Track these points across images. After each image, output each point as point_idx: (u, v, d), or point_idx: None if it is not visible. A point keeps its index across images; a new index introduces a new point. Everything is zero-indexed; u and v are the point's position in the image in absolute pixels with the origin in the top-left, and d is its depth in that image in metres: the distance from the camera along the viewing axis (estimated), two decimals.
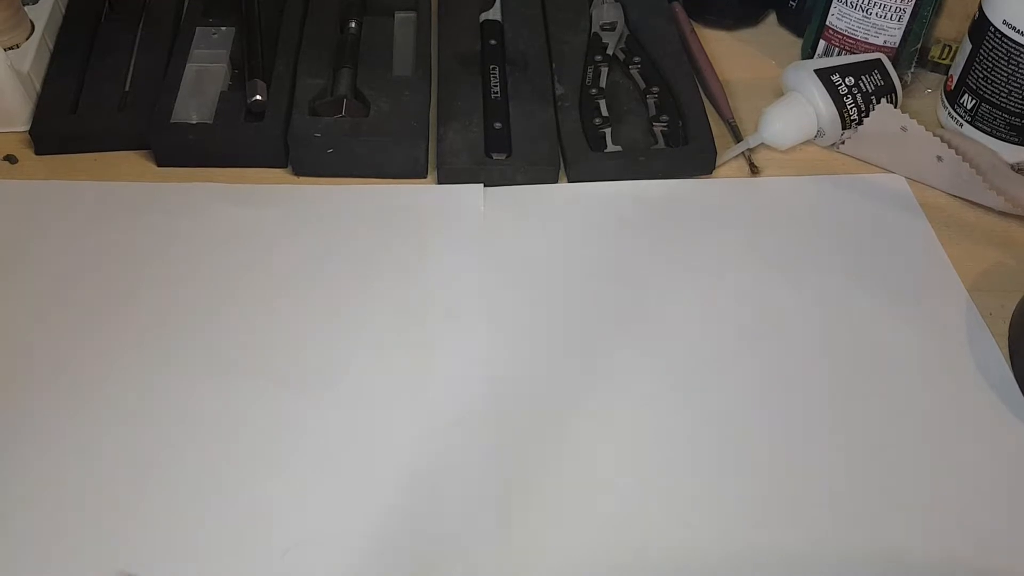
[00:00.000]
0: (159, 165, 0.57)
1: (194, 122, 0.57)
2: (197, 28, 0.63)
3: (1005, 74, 0.57)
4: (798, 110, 0.59)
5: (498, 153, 0.57)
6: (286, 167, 0.58)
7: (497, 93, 0.60)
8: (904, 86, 0.62)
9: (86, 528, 0.41)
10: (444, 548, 0.41)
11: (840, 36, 0.63)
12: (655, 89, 0.61)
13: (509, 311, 0.50)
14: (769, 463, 0.44)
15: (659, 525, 0.42)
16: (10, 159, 0.58)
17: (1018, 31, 0.55)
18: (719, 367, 0.48)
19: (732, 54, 0.68)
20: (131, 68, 0.61)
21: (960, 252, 0.54)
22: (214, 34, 0.62)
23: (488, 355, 0.48)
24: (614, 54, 0.64)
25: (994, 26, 0.56)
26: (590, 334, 0.49)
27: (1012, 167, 0.59)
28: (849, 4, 0.61)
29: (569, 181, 0.58)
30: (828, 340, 0.50)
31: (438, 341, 0.49)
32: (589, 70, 0.63)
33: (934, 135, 0.57)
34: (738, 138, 0.61)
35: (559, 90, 0.61)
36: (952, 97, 0.61)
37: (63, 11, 0.64)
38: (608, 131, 0.59)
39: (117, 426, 0.45)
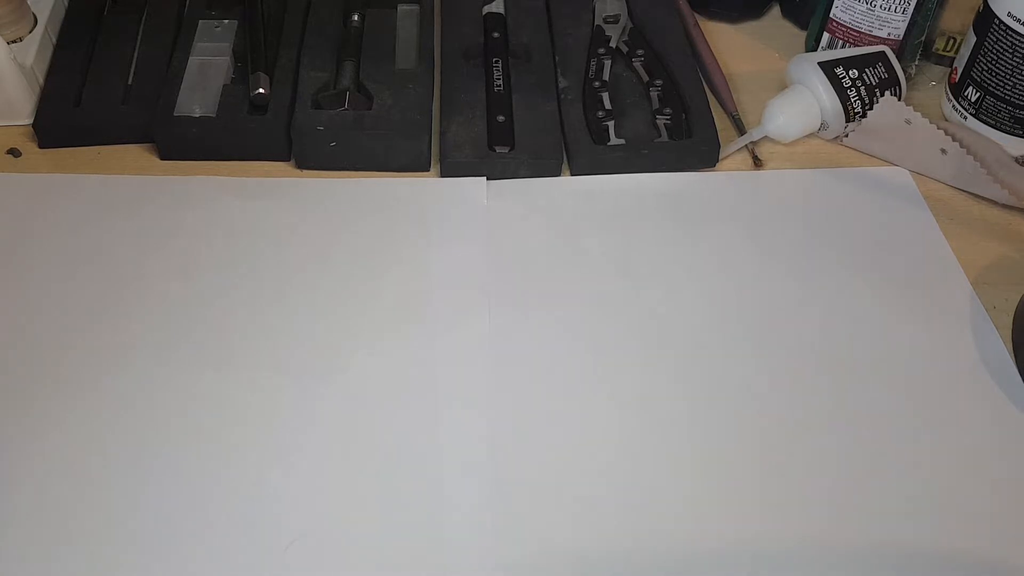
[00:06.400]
0: (162, 158, 0.58)
1: (197, 115, 0.57)
2: (200, 21, 0.62)
3: (1010, 66, 0.56)
4: (802, 103, 0.58)
5: (501, 146, 0.57)
6: (289, 160, 0.58)
7: (500, 86, 0.60)
8: (908, 79, 0.62)
9: (88, 520, 0.41)
10: (444, 537, 0.41)
11: (844, 29, 0.63)
12: (658, 82, 0.61)
13: (512, 304, 0.50)
14: (771, 456, 0.44)
15: (662, 517, 0.42)
16: (14, 152, 0.58)
17: (1023, 23, 0.55)
18: (722, 360, 0.48)
19: (736, 47, 0.68)
20: (134, 61, 0.61)
21: (964, 245, 0.54)
22: (217, 27, 0.62)
23: (491, 347, 0.48)
24: (617, 47, 0.64)
25: (998, 18, 0.56)
26: (593, 327, 0.49)
27: (1016, 160, 0.59)
28: None
29: (572, 174, 0.58)
30: (831, 333, 0.50)
31: (441, 334, 0.49)
32: (592, 63, 0.63)
33: (938, 128, 0.57)
34: (741, 131, 0.61)
35: (562, 83, 0.61)
36: (956, 90, 0.61)
37: (66, 4, 0.64)
38: (611, 124, 0.59)
39: (120, 417, 0.45)
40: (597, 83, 0.61)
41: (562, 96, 0.60)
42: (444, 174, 0.57)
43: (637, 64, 0.63)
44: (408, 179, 0.57)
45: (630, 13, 0.66)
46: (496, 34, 0.64)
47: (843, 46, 0.63)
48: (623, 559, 0.41)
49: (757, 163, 0.59)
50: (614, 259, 0.53)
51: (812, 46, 0.66)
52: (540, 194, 0.56)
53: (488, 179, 0.57)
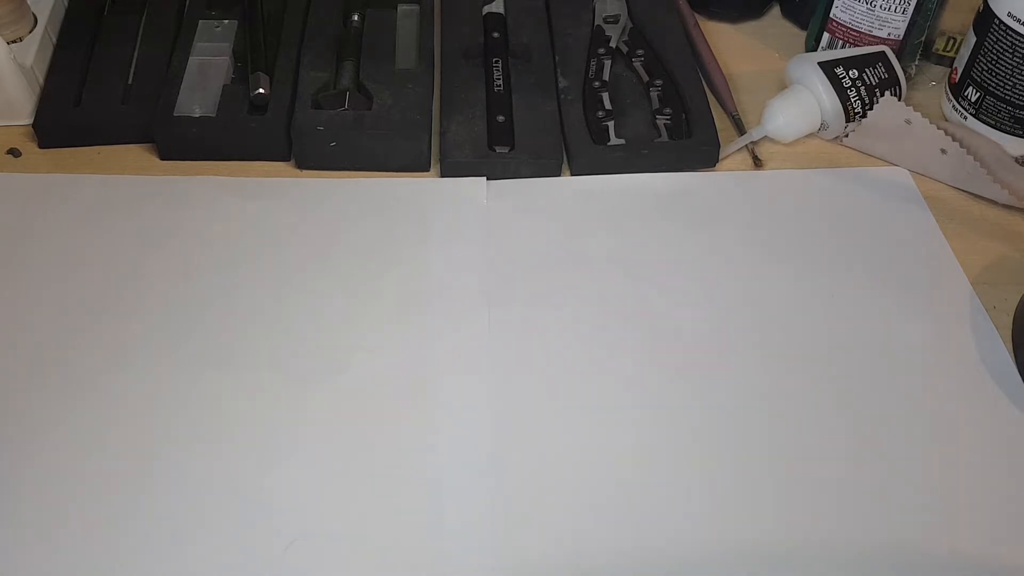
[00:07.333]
0: (162, 158, 0.58)
1: (197, 115, 0.57)
2: (200, 21, 0.62)
3: (1009, 66, 0.56)
4: (802, 103, 0.58)
5: (501, 146, 0.57)
6: (289, 160, 0.58)
7: (500, 86, 0.60)
8: (908, 79, 0.62)
9: (87, 520, 0.41)
10: (444, 538, 0.41)
11: (844, 29, 0.63)
12: (658, 82, 0.61)
13: (512, 304, 0.50)
14: (772, 455, 0.44)
15: (663, 517, 0.42)
16: (14, 152, 0.58)
17: (1023, 23, 0.55)
18: (722, 360, 0.48)
19: (736, 47, 0.68)
20: (134, 61, 0.61)
21: (964, 245, 0.54)
22: (217, 27, 0.62)
23: (490, 347, 0.48)
24: (617, 47, 0.64)
25: (998, 18, 0.56)
26: (593, 327, 0.49)
27: (1016, 160, 0.59)
28: None
29: (572, 174, 0.58)
30: (831, 333, 0.50)
31: (441, 333, 0.49)
32: (592, 63, 0.63)
33: (938, 128, 0.57)
34: (741, 131, 0.61)
35: (562, 83, 0.61)
36: (956, 90, 0.61)
37: (66, 4, 0.64)
38: (611, 124, 0.59)
39: (119, 417, 0.45)
40: (597, 83, 0.61)
41: (562, 96, 0.60)
42: (444, 174, 0.57)
43: (637, 64, 0.63)
44: (408, 179, 0.57)
45: (630, 13, 0.66)
46: (496, 34, 0.64)
47: (843, 46, 0.63)
48: (624, 559, 0.41)
49: (757, 163, 0.59)
50: (614, 259, 0.53)
51: (812, 46, 0.66)
52: (540, 194, 0.56)
53: (488, 179, 0.57)
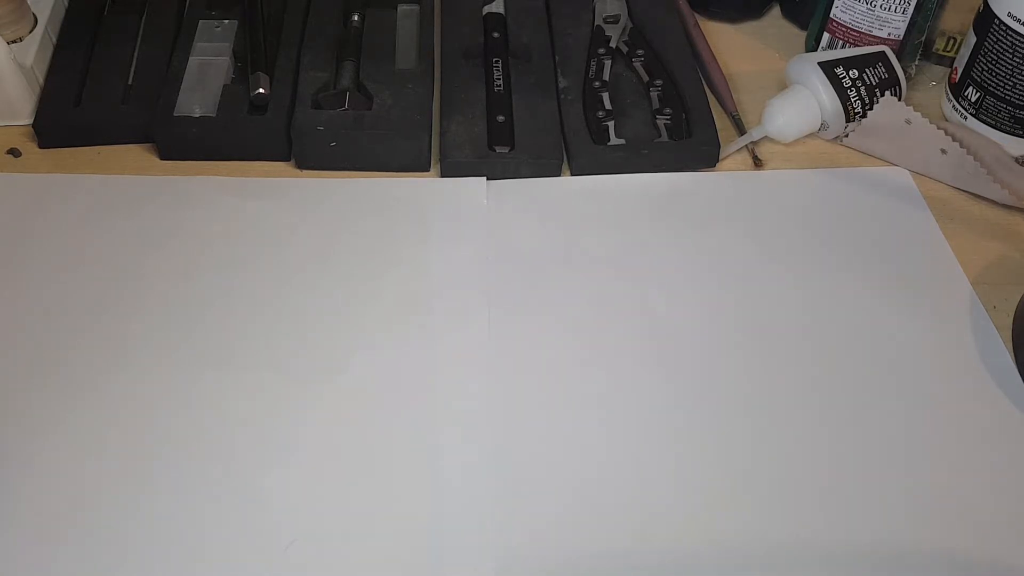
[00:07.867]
0: (162, 158, 0.58)
1: (197, 115, 0.57)
2: (200, 21, 0.62)
3: (1009, 66, 0.56)
4: (802, 103, 0.58)
5: (501, 146, 0.57)
6: (289, 160, 0.58)
7: (500, 86, 0.60)
8: (908, 79, 0.62)
9: (88, 521, 0.41)
10: (443, 537, 0.41)
11: (844, 29, 0.63)
12: (658, 82, 0.61)
13: (511, 304, 0.50)
14: (771, 456, 0.44)
15: (660, 516, 0.42)
16: (14, 152, 0.58)
17: (1023, 23, 0.55)
18: (721, 359, 0.48)
19: (736, 47, 0.68)
20: (134, 61, 0.61)
21: (964, 245, 0.54)
22: (217, 27, 0.62)
23: (490, 347, 0.48)
24: (617, 47, 0.64)
25: (999, 18, 0.56)
26: (592, 327, 0.49)
27: (1016, 160, 0.59)
28: None
29: (572, 174, 0.58)
30: (831, 334, 0.50)
31: (440, 333, 0.49)
32: (592, 63, 0.63)
33: (938, 128, 0.57)
34: (741, 131, 0.61)
35: (562, 83, 0.61)
36: (956, 90, 0.61)
37: (66, 4, 0.64)
38: (611, 124, 0.59)
39: (120, 418, 0.45)
40: (597, 83, 0.61)
41: (562, 96, 0.60)
42: (444, 174, 0.57)
43: (637, 64, 0.63)
44: (408, 179, 0.57)
45: (630, 13, 0.66)
46: (496, 34, 0.64)
47: (843, 46, 0.63)
48: (623, 559, 0.41)
49: (757, 163, 0.59)
50: (614, 259, 0.53)
51: (812, 46, 0.66)
52: (540, 194, 0.56)
53: (488, 179, 0.57)
